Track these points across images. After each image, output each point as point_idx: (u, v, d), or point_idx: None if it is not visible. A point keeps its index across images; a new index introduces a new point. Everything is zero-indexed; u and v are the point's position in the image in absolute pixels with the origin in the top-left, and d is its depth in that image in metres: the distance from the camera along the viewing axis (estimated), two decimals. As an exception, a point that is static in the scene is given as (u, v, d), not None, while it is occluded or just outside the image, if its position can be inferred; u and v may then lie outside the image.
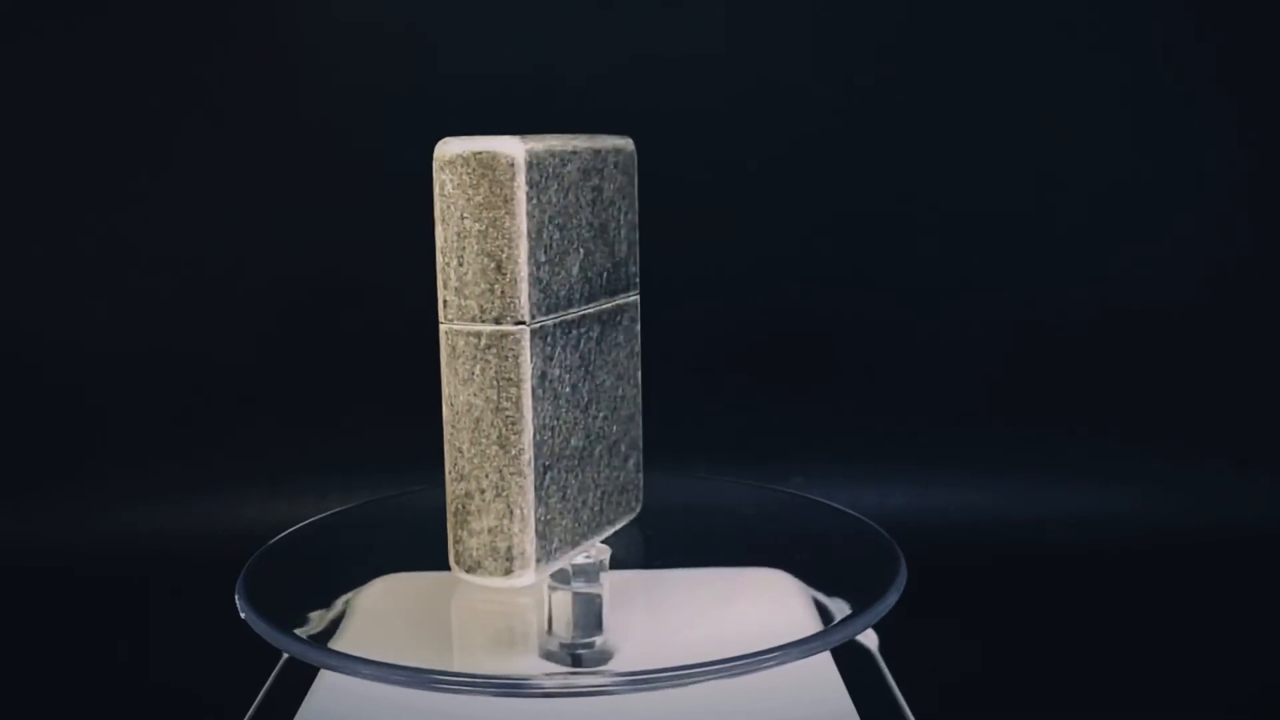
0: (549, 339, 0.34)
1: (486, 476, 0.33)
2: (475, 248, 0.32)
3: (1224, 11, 0.64)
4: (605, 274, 0.36)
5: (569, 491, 0.35)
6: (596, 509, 0.36)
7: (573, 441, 0.35)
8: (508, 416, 0.33)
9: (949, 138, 0.65)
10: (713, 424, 0.66)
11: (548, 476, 0.34)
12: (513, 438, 0.33)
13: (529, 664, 0.33)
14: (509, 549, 0.33)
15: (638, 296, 0.38)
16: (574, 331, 0.35)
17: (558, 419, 0.34)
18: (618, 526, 0.37)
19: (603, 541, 0.36)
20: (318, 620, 0.35)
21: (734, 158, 0.64)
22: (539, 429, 0.33)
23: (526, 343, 0.33)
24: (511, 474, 0.33)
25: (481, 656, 0.35)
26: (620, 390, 0.37)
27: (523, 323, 0.33)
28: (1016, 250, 0.66)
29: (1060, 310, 0.66)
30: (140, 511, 0.63)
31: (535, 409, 0.33)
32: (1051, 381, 0.66)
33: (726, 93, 0.65)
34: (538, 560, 0.34)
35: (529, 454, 0.33)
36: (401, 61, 0.64)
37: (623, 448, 0.37)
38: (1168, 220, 0.66)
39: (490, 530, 0.33)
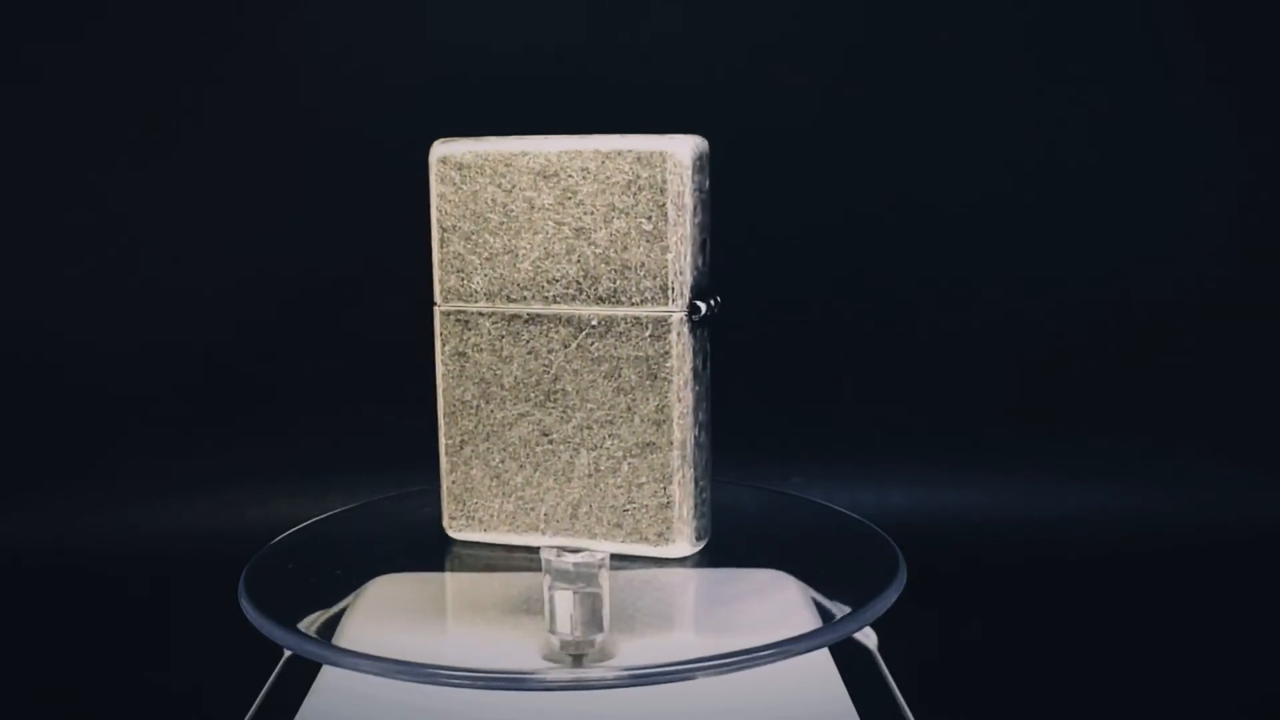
0: (471, 324, 0.37)
1: None
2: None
3: (1223, 9, 0.65)
4: (587, 278, 0.36)
5: (507, 477, 0.37)
6: (568, 514, 0.37)
7: (516, 431, 0.37)
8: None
9: (949, 137, 0.65)
10: (712, 424, 0.65)
11: (467, 449, 0.37)
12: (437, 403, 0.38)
13: (530, 662, 0.33)
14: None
15: (674, 312, 0.36)
16: (518, 325, 0.36)
17: (485, 402, 0.37)
18: (625, 549, 0.37)
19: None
20: (319, 619, 0.35)
21: (730, 156, 0.64)
22: (451, 402, 0.37)
23: (437, 321, 0.37)
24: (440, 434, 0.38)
25: (482, 654, 0.35)
26: (629, 405, 0.36)
27: (435, 304, 0.37)
28: (1017, 251, 0.66)
29: (1060, 311, 0.66)
30: (142, 511, 0.63)
31: (444, 383, 0.37)
32: (1052, 382, 0.66)
33: (725, 90, 0.65)
34: (452, 518, 0.38)
35: (441, 421, 0.38)
36: (429, 59, 0.64)
37: (626, 468, 0.37)
38: (1169, 220, 0.66)
39: None
